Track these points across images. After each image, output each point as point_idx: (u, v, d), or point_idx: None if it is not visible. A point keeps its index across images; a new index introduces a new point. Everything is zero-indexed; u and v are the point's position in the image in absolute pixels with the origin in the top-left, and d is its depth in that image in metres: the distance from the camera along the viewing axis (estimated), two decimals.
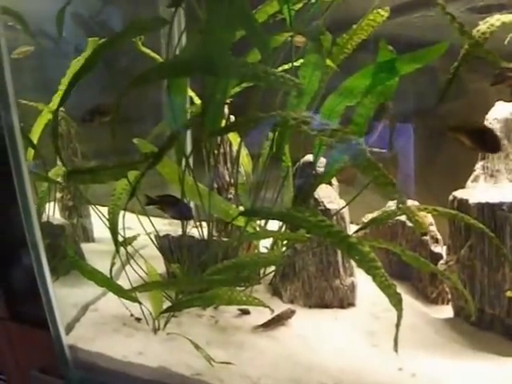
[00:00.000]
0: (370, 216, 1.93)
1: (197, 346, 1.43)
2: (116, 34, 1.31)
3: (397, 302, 1.21)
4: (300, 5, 1.53)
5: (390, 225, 1.87)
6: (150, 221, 1.67)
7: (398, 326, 1.19)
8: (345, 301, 1.75)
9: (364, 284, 1.79)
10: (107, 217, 1.65)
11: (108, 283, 1.53)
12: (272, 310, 1.57)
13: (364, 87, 1.43)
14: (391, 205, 1.90)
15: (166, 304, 1.65)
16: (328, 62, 1.54)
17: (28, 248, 1.66)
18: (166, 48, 1.61)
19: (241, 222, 1.65)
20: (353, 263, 1.75)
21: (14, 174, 1.47)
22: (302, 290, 1.75)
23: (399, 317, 1.19)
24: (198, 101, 1.80)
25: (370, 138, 1.47)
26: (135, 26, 1.30)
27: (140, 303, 1.58)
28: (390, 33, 1.63)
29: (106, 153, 2.10)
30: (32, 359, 1.78)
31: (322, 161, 1.75)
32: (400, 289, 1.24)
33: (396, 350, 1.18)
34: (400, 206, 1.31)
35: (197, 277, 1.64)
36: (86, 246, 2.11)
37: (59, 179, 1.80)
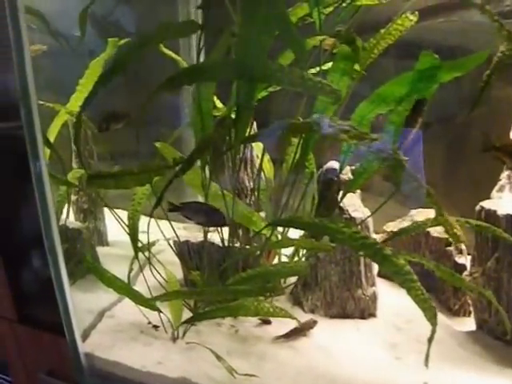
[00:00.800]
0: (390, 224, 1.87)
1: (218, 357, 1.37)
2: (146, 36, 1.23)
3: (432, 316, 1.15)
4: (330, 8, 1.45)
5: (412, 234, 1.81)
6: (172, 226, 1.60)
7: (430, 340, 1.13)
8: (366, 311, 1.69)
9: (385, 294, 1.74)
10: (125, 221, 1.58)
11: (128, 291, 1.47)
12: (299, 322, 1.51)
13: (399, 95, 1.37)
14: (413, 213, 1.85)
15: (185, 312, 1.59)
16: (356, 66, 1.48)
17: (39, 249, 1.61)
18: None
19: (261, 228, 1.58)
20: (374, 273, 1.68)
21: (34, 177, 1.40)
22: (323, 300, 1.69)
23: (433, 331, 1.14)
24: (219, 105, 1.73)
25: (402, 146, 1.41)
26: (166, 28, 1.23)
27: (160, 311, 1.51)
28: (412, 37, 1.57)
29: (121, 155, 2.03)
30: (40, 362, 1.74)
31: (345, 168, 1.70)
32: None
33: (427, 365, 1.13)
34: (438, 217, 1.25)
35: (218, 285, 1.58)
36: (100, 250, 2.04)
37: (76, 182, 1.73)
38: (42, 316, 1.71)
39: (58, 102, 1.84)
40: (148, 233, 1.53)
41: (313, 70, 1.54)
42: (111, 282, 1.46)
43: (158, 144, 1.58)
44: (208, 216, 1.33)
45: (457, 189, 2.02)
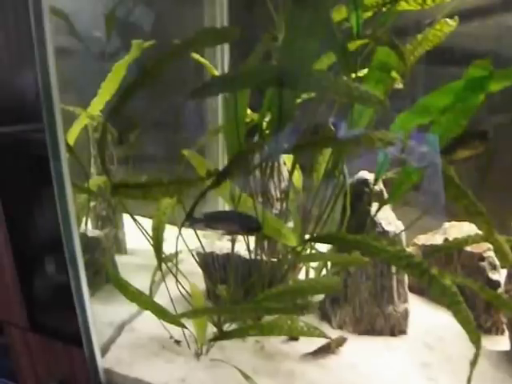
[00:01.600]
0: (422, 237, 1.78)
1: (246, 376, 1.28)
2: (184, 41, 1.14)
3: (477, 339, 1.09)
4: (369, 13, 1.36)
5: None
6: (197, 236, 1.51)
7: (474, 364, 1.08)
8: (396, 328, 1.60)
9: (415, 310, 1.64)
10: (146, 228, 1.50)
11: (152, 306, 1.37)
12: (333, 341, 1.42)
13: (443, 105, 1.27)
14: (446, 226, 1.75)
15: (209, 326, 1.50)
16: (393, 74, 1.39)
17: (52, 256, 1.56)
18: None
19: (292, 241, 1.49)
20: (407, 289, 1.59)
21: (55, 185, 1.32)
22: (352, 316, 1.59)
23: (477, 355, 1.08)
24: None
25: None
26: (205, 34, 1.13)
27: (184, 327, 1.42)
28: (444, 43, 1.48)
29: (140, 159, 1.93)
30: (51, 372, 1.66)
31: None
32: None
33: None
34: (487, 237, 1.16)
35: (246, 301, 1.49)
36: (119, 259, 1.93)
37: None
38: (54, 324, 1.62)
39: (71, 104, 1.73)
40: (176, 245, 1.43)
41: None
42: (135, 296, 1.37)
43: (185, 152, 1.48)
44: (241, 222, 1.23)
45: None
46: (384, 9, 1.37)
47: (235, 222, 1.24)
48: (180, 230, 1.30)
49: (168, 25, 2.04)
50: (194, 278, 1.66)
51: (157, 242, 1.43)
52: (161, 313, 1.38)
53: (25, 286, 1.59)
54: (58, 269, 1.56)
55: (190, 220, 1.25)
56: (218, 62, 1.89)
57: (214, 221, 1.25)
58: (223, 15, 1.89)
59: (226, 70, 1.92)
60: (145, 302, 1.37)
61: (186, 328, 1.43)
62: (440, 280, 1.09)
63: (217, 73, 1.75)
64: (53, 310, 1.64)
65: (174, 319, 1.37)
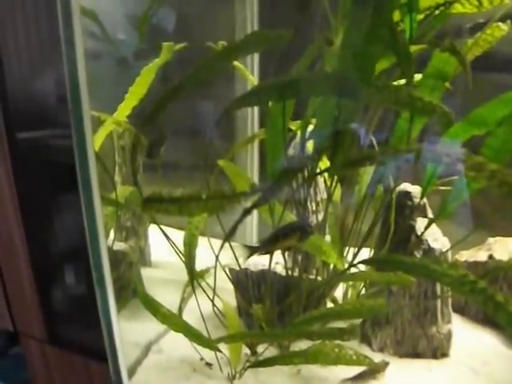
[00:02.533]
0: (464, 253, 1.65)
1: None
2: (230, 45, 1.01)
3: None
4: (421, 16, 1.23)
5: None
6: (233, 251, 1.38)
7: None
8: (439, 351, 1.47)
9: (458, 331, 1.51)
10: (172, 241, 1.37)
11: (185, 329, 1.25)
12: (375, 367, 1.29)
13: (501, 116, 1.14)
14: (491, 242, 1.63)
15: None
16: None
17: (72, 266, 1.49)
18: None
19: (333, 259, 1.36)
20: (451, 309, 1.46)
21: (83, 196, 1.19)
22: (393, 338, 1.47)
23: None
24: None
25: None
26: (256, 38, 1.00)
27: (219, 351, 1.29)
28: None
29: (165, 166, 1.80)
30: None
31: (419, 191, 1.47)
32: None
33: None
34: None
35: (281, 321, 1.36)
36: (143, 272, 1.79)
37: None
38: (74, 337, 1.53)
39: (94, 108, 1.60)
40: (216, 263, 1.31)
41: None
42: (166, 317, 1.24)
43: (221, 162, 1.35)
44: (296, 231, 1.09)
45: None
46: (437, 11, 1.24)
47: (294, 234, 1.10)
48: (221, 246, 1.17)
49: (197, 27, 1.91)
50: (224, 293, 1.53)
51: (189, 258, 1.30)
52: (195, 336, 1.25)
53: (44, 297, 1.50)
54: (79, 280, 1.48)
55: (250, 251, 1.16)
56: (248, 66, 1.76)
57: (273, 243, 1.12)
58: (253, 17, 1.76)
59: (257, 75, 1.80)
60: (177, 324, 1.25)
61: (220, 351, 1.30)
62: (507, 307, 0.96)
63: (253, 78, 1.63)
64: (72, 322, 1.55)
65: (208, 343, 1.24)
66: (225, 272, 1.48)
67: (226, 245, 1.45)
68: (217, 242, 1.48)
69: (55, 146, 1.37)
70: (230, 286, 1.55)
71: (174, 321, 1.25)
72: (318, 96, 1.11)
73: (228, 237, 1.07)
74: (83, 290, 1.55)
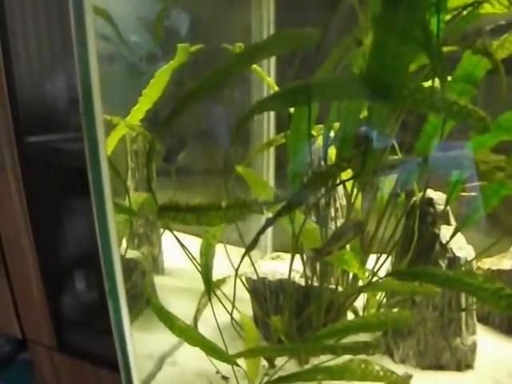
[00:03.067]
0: (487, 261, 1.57)
1: None
2: (253, 46, 0.94)
3: None
4: (447, 16, 1.15)
5: None
6: (251, 259, 1.31)
7: None
8: (463, 362, 1.39)
9: (482, 342, 1.44)
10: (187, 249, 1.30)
11: (202, 343, 1.17)
12: (398, 380, 1.21)
13: None
14: None
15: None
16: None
17: (81, 273, 1.46)
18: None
19: (354, 268, 1.29)
20: (475, 319, 1.39)
21: (94, 205, 1.10)
22: (416, 349, 1.39)
23: None
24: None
25: None
26: (283, 39, 0.93)
27: (237, 365, 1.22)
28: None
29: (179, 171, 1.72)
30: None
31: (441, 198, 1.40)
32: None
33: None
34: None
35: (300, 332, 1.29)
36: (156, 280, 1.71)
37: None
38: (83, 345, 1.47)
39: (110, 113, 1.53)
40: (236, 273, 1.23)
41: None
42: (182, 331, 1.17)
43: (239, 168, 1.28)
44: (351, 228, 1.04)
45: None
46: (465, 12, 1.17)
47: (350, 232, 1.05)
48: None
49: (212, 28, 1.84)
50: (241, 302, 1.46)
51: (205, 269, 1.23)
52: (212, 350, 1.18)
53: (53, 303, 1.45)
54: (89, 286, 1.45)
55: (315, 255, 1.13)
56: (264, 67, 1.69)
57: (335, 242, 1.06)
58: (270, 17, 1.69)
59: (273, 77, 1.72)
60: (193, 337, 1.18)
61: (238, 365, 1.22)
62: None
63: (271, 81, 1.55)
64: (82, 329, 1.50)
65: (226, 357, 1.16)
66: (241, 281, 1.41)
67: (241, 249, 1.39)
68: (231, 248, 1.42)
69: (66, 149, 1.32)
70: (246, 295, 1.47)
71: (190, 334, 1.18)
72: (347, 99, 1.03)
73: (249, 249, 1.00)
74: (94, 296, 1.49)
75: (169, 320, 1.18)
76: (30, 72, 1.30)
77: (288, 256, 1.80)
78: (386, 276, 1.16)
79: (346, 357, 1.12)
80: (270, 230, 2.01)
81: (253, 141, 1.83)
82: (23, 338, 1.58)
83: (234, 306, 1.30)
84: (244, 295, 1.47)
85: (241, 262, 1.09)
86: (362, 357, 1.14)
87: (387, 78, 0.89)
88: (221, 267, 1.38)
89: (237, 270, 1.19)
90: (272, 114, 1.82)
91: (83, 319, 1.52)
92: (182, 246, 1.27)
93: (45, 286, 1.42)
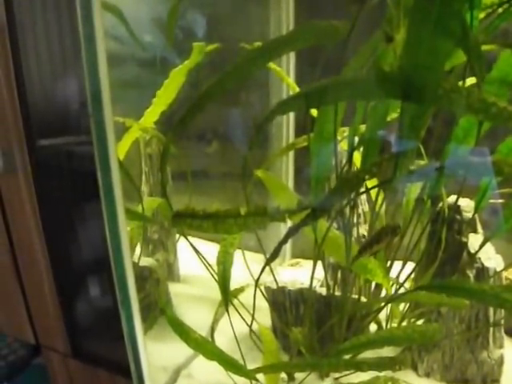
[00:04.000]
0: None
1: None
2: (275, 40, 0.85)
3: None
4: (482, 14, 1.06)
5: None
6: (271, 269, 1.22)
7: None
8: (489, 377, 1.30)
9: (508, 355, 1.34)
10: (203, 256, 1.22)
11: (220, 357, 1.09)
12: None
13: None
14: None
15: None
16: None
17: (96, 278, 1.38)
18: None
19: (379, 278, 1.20)
20: (503, 332, 1.29)
21: (105, 212, 1.03)
22: (441, 362, 1.30)
23: None
24: None
25: None
26: (307, 32, 0.84)
27: (256, 380, 1.13)
28: None
29: (195, 173, 1.64)
30: None
31: (469, 204, 1.31)
32: None
33: None
34: None
35: (321, 345, 1.20)
36: (171, 288, 1.62)
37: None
38: (98, 351, 1.42)
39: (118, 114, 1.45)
40: (256, 285, 1.14)
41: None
42: (199, 344, 1.09)
43: (259, 172, 1.19)
44: (387, 232, 0.97)
45: None
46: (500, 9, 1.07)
47: (386, 236, 0.98)
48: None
49: (229, 27, 1.75)
50: (259, 312, 1.37)
51: (223, 279, 1.14)
52: (230, 365, 1.09)
53: (67, 309, 1.40)
54: (103, 292, 1.38)
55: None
56: (283, 67, 1.60)
57: (371, 246, 0.99)
58: (289, 16, 1.61)
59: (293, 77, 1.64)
60: (211, 351, 1.09)
61: (257, 380, 1.14)
62: None
63: (290, 80, 1.46)
64: (97, 335, 1.44)
65: (247, 374, 1.08)
66: (260, 290, 1.32)
67: (259, 255, 1.31)
68: (249, 254, 1.34)
69: (78, 152, 1.26)
70: (265, 304, 1.38)
71: (207, 348, 1.09)
72: (376, 100, 0.94)
73: (271, 260, 0.91)
74: (108, 302, 1.42)
75: (184, 332, 1.10)
76: (41, 73, 1.25)
77: (307, 263, 1.72)
78: (416, 289, 1.06)
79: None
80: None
81: (272, 144, 1.74)
82: (37, 344, 1.53)
83: (253, 318, 1.21)
84: (262, 304, 1.38)
85: (261, 273, 1.01)
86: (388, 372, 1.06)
87: (421, 76, 0.80)
88: (238, 273, 1.29)
89: (256, 281, 1.10)
90: (291, 116, 1.74)
91: (98, 325, 1.44)
92: (198, 253, 1.19)
93: (58, 292, 1.37)
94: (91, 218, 1.33)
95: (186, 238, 1.22)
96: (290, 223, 0.99)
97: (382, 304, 1.22)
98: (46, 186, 1.28)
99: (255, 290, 1.14)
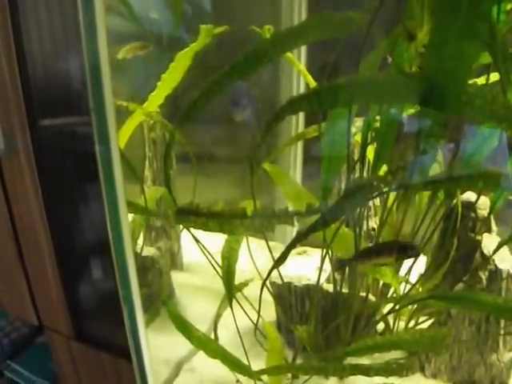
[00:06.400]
0: None
1: None
2: (287, 31, 0.81)
3: None
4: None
5: None
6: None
7: None
8: (497, 380, 1.29)
9: None
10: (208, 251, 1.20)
11: (223, 356, 1.07)
12: None
13: None
14: None
15: None
16: None
17: (99, 261, 1.35)
18: None
19: (388, 278, 1.18)
20: None
21: (106, 203, 1.03)
22: (448, 364, 1.28)
23: None
24: None
25: None
26: (318, 22, 0.79)
27: (260, 380, 1.12)
28: None
29: (197, 156, 1.59)
30: (96, 382, 1.49)
31: (484, 202, 1.28)
32: None
33: None
34: None
35: (326, 344, 1.18)
36: (174, 277, 1.61)
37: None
38: (101, 335, 1.42)
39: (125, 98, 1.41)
40: (261, 292, 1.12)
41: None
42: (202, 343, 1.08)
43: (267, 166, 1.15)
44: (400, 250, 0.94)
45: None
46: None
47: (393, 251, 0.94)
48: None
49: (238, 7, 1.69)
50: (264, 305, 1.35)
51: (227, 274, 1.12)
52: (233, 364, 1.08)
53: (69, 292, 1.38)
54: (106, 275, 1.34)
55: (339, 264, 1.07)
56: (295, 52, 1.54)
57: (367, 256, 0.97)
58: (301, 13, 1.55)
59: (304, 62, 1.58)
60: (214, 350, 1.08)
61: (261, 380, 1.13)
62: None
63: (303, 68, 1.41)
64: (100, 318, 1.43)
65: (251, 374, 1.06)
66: (265, 286, 1.30)
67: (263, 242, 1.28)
68: (253, 241, 1.31)
69: (81, 133, 1.20)
70: (269, 297, 1.36)
71: (210, 346, 1.08)
72: (395, 102, 0.90)
73: (278, 264, 0.89)
74: (111, 284, 1.42)
75: (187, 330, 1.09)
76: (43, 51, 1.20)
77: (314, 251, 1.70)
78: (427, 298, 1.04)
79: None
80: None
81: (280, 132, 1.70)
82: (40, 325, 1.52)
83: (259, 316, 1.19)
84: (267, 297, 1.36)
85: (267, 276, 0.98)
86: None
87: (444, 81, 0.76)
88: (243, 260, 1.27)
89: (263, 285, 1.07)
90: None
91: (100, 308, 1.43)
92: (202, 248, 1.16)
93: (61, 274, 1.36)
94: (94, 199, 1.31)
95: (190, 232, 1.19)
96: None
97: (390, 307, 1.19)
98: (48, 167, 1.26)
99: (261, 290, 1.12)
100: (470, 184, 0.88)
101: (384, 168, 1.10)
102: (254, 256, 1.33)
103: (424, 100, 0.77)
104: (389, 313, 1.20)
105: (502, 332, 1.24)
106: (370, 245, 1.30)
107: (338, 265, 1.04)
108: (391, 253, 0.93)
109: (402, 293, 1.35)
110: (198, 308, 1.30)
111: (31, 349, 1.78)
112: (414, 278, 1.31)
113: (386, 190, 1.00)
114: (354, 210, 1.08)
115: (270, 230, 0.91)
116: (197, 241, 1.18)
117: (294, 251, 1.65)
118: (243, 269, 1.34)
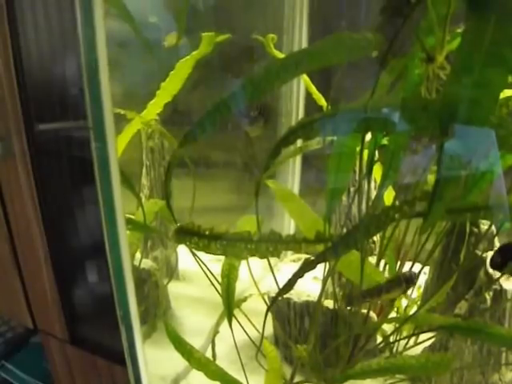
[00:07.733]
0: None
1: None
2: (304, 52, 0.74)
3: None
4: None
5: None
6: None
7: None
8: None
9: None
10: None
11: (223, 378, 1.02)
12: None
13: None
14: None
15: None
16: None
17: (94, 264, 1.34)
18: None
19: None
20: None
21: (104, 219, 1.01)
22: (449, 383, 1.23)
23: None
24: None
25: None
26: (336, 43, 0.73)
27: None
28: None
29: (196, 162, 1.53)
30: None
31: None
32: None
33: None
34: None
35: (326, 362, 1.13)
36: (171, 288, 1.54)
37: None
38: (96, 339, 1.40)
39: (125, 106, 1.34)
40: (266, 315, 1.06)
41: None
42: (201, 364, 1.02)
43: (270, 183, 1.09)
44: (400, 282, 0.90)
45: None
46: None
47: (399, 287, 0.90)
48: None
49: (240, 15, 1.61)
50: (260, 317, 1.30)
51: (227, 293, 1.06)
52: None
53: (65, 296, 1.38)
54: (102, 279, 1.33)
55: (347, 300, 1.03)
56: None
57: (376, 294, 0.93)
58: (303, 3, 1.48)
59: None
60: (213, 372, 1.02)
61: None
62: None
63: (309, 81, 1.34)
64: (95, 323, 1.42)
65: None
66: (264, 300, 1.24)
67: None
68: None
69: (77, 138, 1.18)
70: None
71: (210, 368, 1.02)
72: (409, 129, 0.83)
73: (283, 292, 0.83)
74: (107, 289, 1.39)
75: (187, 352, 1.03)
76: (40, 54, 1.18)
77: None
78: (435, 330, 0.99)
79: None
80: (291, 228, 1.83)
81: (281, 123, 1.64)
82: (35, 328, 1.50)
83: (262, 337, 1.13)
84: (265, 309, 1.31)
85: (272, 303, 0.92)
86: None
87: (467, 111, 0.69)
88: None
89: (268, 310, 1.01)
90: (301, 107, 1.63)
91: (96, 313, 1.42)
92: (199, 261, 1.10)
93: (56, 279, 1.34)
94: (90, 204, 1.28)
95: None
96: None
97: (394, 325, 1.14)
98: (44, 171, 1.24)
99: (268, 310, 1.06)
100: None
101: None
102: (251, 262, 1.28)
103: (443, 130, 0.70)
104: (391, 333, 1.15)
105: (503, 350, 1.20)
106: (371, 258, 1.25)
107: (347, 301, 0.98)
108: (400, 285, 0.88)
109: (402, 308, 1.30)
110: (195, 320, 1.25)
111: (26, 349, 1.76)
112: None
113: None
114: (367, 241, 1.02)
115: (276, 255, 0.85)
116: (194, 254, 1.12)
117: (289, 258, 1.61)
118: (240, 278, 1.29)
